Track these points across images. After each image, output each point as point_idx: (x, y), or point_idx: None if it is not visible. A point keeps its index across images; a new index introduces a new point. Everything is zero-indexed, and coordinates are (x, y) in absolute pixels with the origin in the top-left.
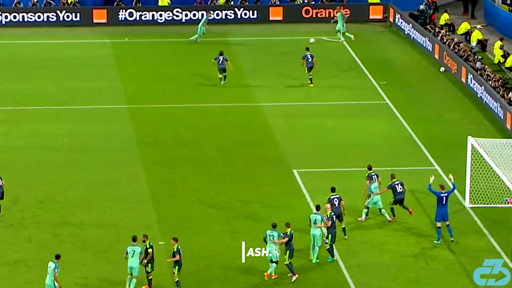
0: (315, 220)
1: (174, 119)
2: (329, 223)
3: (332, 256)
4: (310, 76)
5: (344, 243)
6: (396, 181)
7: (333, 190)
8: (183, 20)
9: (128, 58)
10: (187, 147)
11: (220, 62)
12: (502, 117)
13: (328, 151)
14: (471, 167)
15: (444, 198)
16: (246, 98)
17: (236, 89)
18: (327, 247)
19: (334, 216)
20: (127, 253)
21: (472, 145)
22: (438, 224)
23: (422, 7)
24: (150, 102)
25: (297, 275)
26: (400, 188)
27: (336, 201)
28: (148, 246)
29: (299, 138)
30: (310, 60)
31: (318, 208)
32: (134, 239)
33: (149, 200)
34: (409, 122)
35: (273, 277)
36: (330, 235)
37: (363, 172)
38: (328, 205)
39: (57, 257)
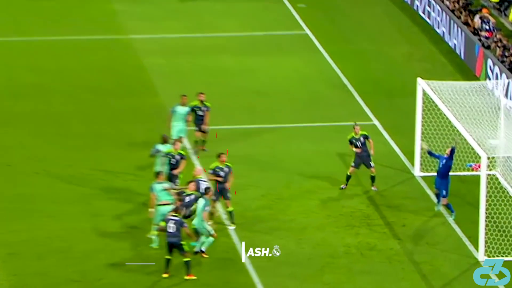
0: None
1: (8, 58)
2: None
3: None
4: None
5: (250, 229)
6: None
7: (219, 156)
8: None
9: None
10: (27, 97)
11: None
12: (463, 51)
13: (226, 101)
14: (422, 121)
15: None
16: (110, 28)
17: (97, 16)
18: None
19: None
20: None
21: (423, 90)
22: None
23: None
24: None
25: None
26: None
27: (222, 173)
28: None
29: (185, 83)
30: None
31: (158, 175)
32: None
33: None
34: (337, 60)
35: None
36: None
37: (274, 130)
38: (192, 185)
39: None
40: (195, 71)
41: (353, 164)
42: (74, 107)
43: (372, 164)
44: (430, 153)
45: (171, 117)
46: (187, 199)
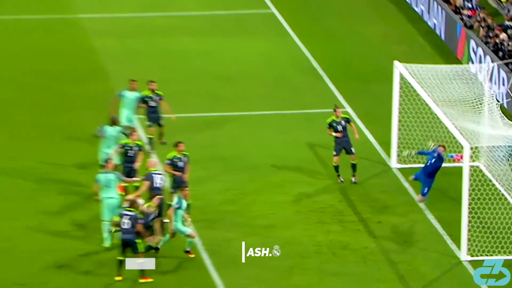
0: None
1: None
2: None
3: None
4: None
5: (212, 227)
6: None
7: (177, 145)
8: None
9: None
10: None
11: None
12: (444, 32)
13: (185, 87)
14: (399, 108)
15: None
16: (57, 6)
17: None
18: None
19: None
20: None
21: (400, 74)
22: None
23: None
24: None
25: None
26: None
27: (181, 163)
28: None
29: (140, 68)
30: None
31: (107, 162)
32: None
33: None
34: (306, 42)
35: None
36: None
37: (238, 119)
38: (156, 200)
39: None
40: (150, 54)
41: (334, 152)
42: (18, 93)
43: (353, 150)
44: (420, 153)
45: (116, 101)
46: (151, 216)
